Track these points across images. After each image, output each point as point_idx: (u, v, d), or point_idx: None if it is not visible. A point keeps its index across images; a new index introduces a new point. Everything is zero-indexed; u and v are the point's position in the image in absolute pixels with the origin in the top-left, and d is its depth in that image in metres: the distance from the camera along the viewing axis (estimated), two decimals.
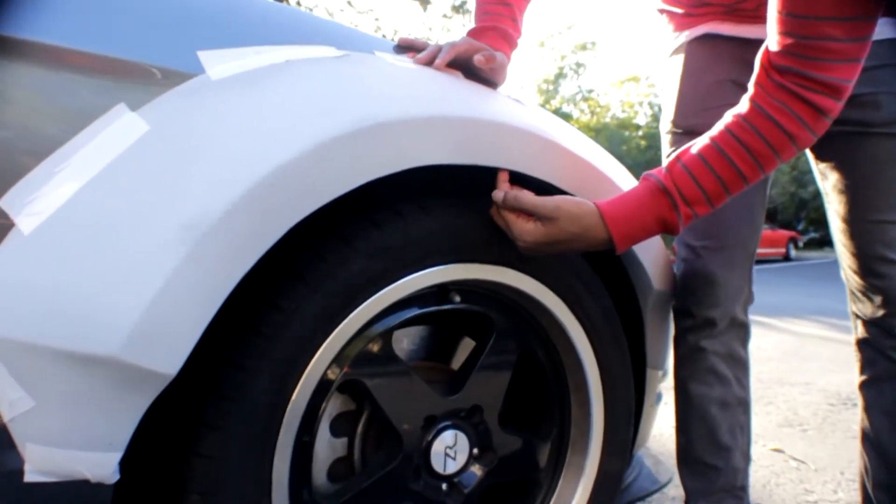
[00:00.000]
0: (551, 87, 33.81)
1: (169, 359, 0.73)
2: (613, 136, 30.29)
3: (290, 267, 0.87)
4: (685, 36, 1.35)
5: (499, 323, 1.09)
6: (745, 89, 1.27)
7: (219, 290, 0.76)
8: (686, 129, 1.32)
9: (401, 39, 1.17)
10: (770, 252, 17.17)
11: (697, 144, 1.03)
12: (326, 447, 1.01)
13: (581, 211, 0.98)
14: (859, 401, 1.28)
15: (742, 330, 1.38)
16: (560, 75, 33.71)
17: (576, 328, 1.11)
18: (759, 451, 2.36)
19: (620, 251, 1.01)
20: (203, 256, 0.74)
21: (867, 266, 1.20)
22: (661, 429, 2.58)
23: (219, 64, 0.87)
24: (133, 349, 0.71)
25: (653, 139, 30.42)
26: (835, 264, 1.42)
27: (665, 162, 1.39)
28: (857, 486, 1.99)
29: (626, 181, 1.33)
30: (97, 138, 0.78)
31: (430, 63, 1.08)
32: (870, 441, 1.26)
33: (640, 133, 32.04)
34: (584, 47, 33.36)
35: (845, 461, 2.25)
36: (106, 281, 0.72)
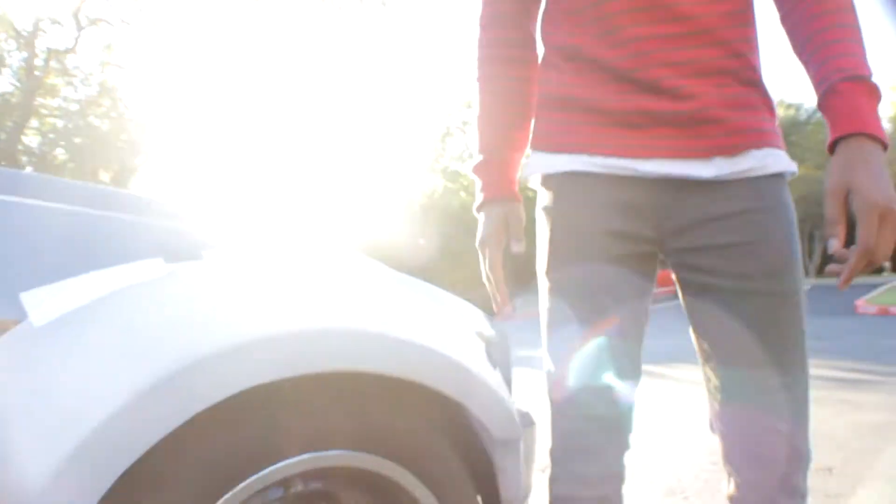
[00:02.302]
0: (439, 146, 34.37)
1: None
2: None
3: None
4: None
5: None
6: None
7: None
8: None
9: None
10: (665, 290, 17.63)
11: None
12: None
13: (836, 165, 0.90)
14: None
15: None
16: (446, 134, 34.37)
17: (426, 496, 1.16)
18: None
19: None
20: None
21: None
22: None
23: (41, 305, 0.90)
24: None
25: None
26: None
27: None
28: None
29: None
30: None
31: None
32: None
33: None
34: (469, 105, 34.15)
35: None
36: None
